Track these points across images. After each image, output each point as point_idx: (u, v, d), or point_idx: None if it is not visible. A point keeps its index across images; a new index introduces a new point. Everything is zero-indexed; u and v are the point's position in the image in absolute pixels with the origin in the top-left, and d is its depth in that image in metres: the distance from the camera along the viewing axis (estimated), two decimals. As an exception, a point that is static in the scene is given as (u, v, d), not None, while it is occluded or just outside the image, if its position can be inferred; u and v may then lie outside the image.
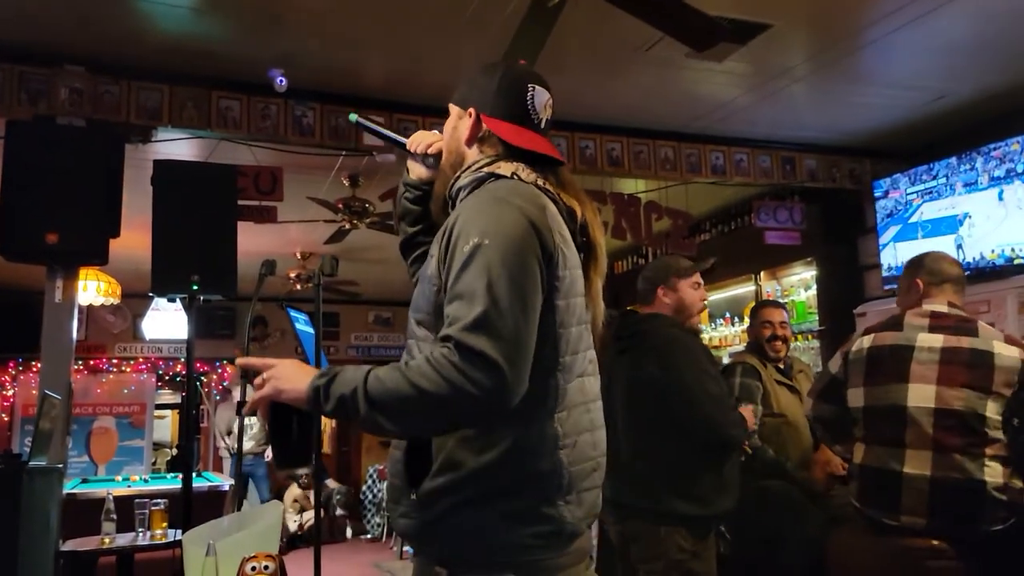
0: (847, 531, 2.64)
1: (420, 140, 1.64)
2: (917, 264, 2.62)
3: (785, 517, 2.93)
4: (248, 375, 1.39)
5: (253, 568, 1.64)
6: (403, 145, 1.67)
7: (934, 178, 4.59)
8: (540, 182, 1.42)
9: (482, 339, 1.19)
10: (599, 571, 1.59)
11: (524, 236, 1.27)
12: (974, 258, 4.33)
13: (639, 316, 2.83)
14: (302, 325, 2.96)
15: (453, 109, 1.56)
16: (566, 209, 1.43)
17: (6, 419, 8.67)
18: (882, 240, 4.92)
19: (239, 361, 1.43)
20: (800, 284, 5.93)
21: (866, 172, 5.18)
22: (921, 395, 2.34)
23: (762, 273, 6.09)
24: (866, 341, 2.54)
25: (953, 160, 4.47)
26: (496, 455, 1.27)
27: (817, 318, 5.53)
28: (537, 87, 1.52)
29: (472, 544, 1.29)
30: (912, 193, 4.72)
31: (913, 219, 4.72)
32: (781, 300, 5.98)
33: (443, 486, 1.29)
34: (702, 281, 2.84)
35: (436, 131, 1.65)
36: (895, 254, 4.82)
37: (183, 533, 3.06)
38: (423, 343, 1.36)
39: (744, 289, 6.34)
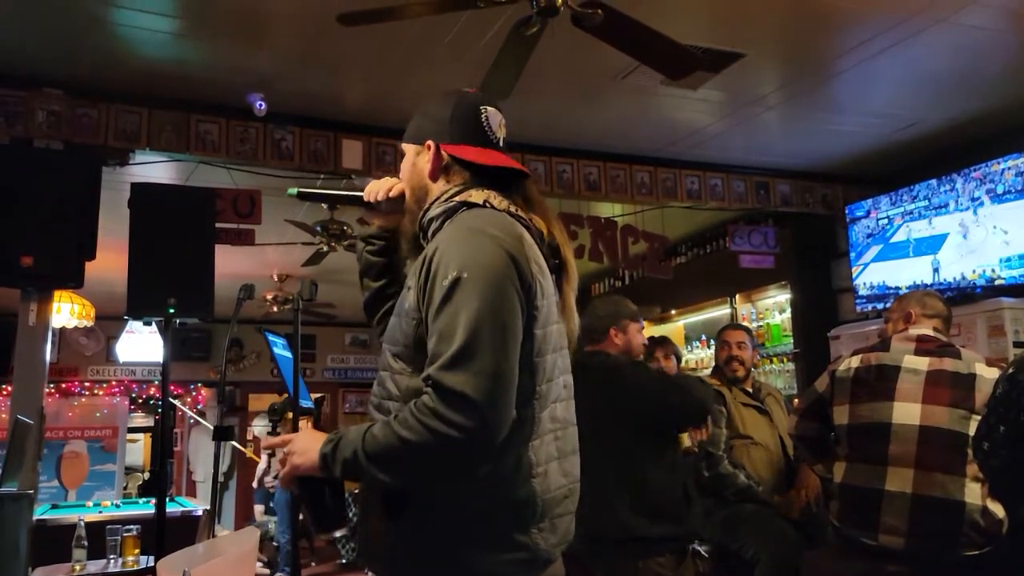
0: (824, 553, 2.67)
1: (375, 189, 1.59)
2: (910, 297, 2.76)
3: (761, 539, 2.94)
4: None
5: (230, 595, 1.62)
6: (359, 199, 1.61)
7: (915, 199, 4.66)
8: (512, 209, 1.41)
9: (460, 377, 1.19)
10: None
11: (503, 268, 1.27)
12: (955, 278, 4.40)
13: (585, 353, 2.79)
14: (280, 350, 2.95)
15: (408, 148, 1.53)
16: (537, 232, 1.42)
17: (-26, 443, 8.51)
18: (862, 260, 4.98)
19: (264, 444, 1.44)
20: (775, 307, 6.00)
21: (838, 197, 5.28)
22: (906, 413, 2.40)
23: (737, 296, 6.16)
24: (854, 361, 2.62)
25: (934, 182, 4.55)
26: (471, 484, 1.26)
27: (792, 341, 5.59)
28: (489, 108, 1.49)
29: (448, 572, 1.28)
30: (893, 213, 4.80)
31: (895, 239, 4.79)
32: (756, 323, 6.06)
33: (418, 516, 1.29)
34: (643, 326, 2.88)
35: (387, 177, 1.60)
36: (875, 274, 4.89)
37: (156, 560, 3.02)
38: (399, 376, 1.36)
39: (719, 312, 6.40)
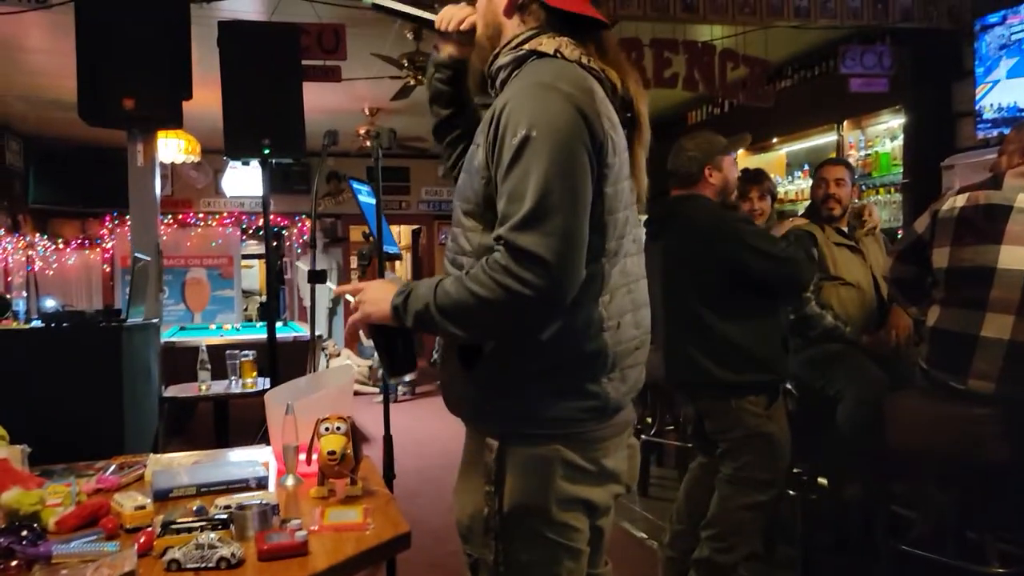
0: (909, 393, 2.65)
1: (449, 16, 1.54)
2: None
3: (845, 377, 2.94)
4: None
5: (327, 428, 1.78)
6: (430, 24, 1.57)
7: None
8: (584, 59, 1.35)
9: (531, 237, 1.20)
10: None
11: (573, 126, 1.24)
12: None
13: (674, 198, 2.72)
14: (365, 196, 3.02)
15: None
16: (610, 85, 1.37)
17: (108, 270, 9.27)
18: (991, 77, 4.46)
19: (335, 291, 1.51)
20: (886, 133, 5.62)
21: (966, 10, 4.73)
22: (1014, 258, 2.26)
23: (845, 122, 5.78)
24: (959, 200, 2.44)
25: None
26: (545, 338, 1.30)
27: (901, 171, 5.27)
28: None
29: (521, 418, 1.35)
30: (1036, 20, 4.20)
31: (1034, 49, 4.23)
32: (864, 151, 5.71)
33: (493, 367, 1.34)
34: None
35: (464, 3, 1.54)
36: (1005, 94, 4.39)
37: (272, 383, 3.32)
38: (471, 233, 1.37)
39: (825, 140, 6.06)
